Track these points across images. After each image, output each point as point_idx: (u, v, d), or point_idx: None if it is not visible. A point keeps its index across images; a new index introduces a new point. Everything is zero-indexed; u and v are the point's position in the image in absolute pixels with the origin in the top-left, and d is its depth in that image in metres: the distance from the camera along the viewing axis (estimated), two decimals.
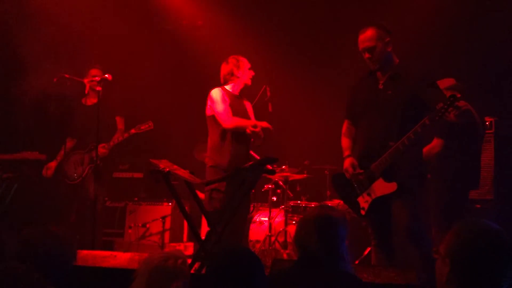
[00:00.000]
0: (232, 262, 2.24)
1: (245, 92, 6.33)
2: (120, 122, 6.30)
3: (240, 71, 5.17)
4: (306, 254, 2.56)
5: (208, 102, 5.09)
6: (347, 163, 4.21)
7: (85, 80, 5.51)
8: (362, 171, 4.11)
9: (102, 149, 5.97)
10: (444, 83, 5.33)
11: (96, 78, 5.74)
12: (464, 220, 2.07)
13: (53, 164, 6.23)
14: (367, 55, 4.10)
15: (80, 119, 6.11)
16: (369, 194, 4.11)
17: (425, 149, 5.05)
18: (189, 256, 6.13)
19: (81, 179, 6.06)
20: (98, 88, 5.46)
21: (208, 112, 5.10)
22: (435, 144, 5.05)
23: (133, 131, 6.07)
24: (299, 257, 2.63)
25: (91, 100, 6.19)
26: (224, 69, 5.23)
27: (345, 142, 4.33)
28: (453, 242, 2.00)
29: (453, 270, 1.97)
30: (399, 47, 4.23)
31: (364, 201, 4.15)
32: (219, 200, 4.82)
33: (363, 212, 4.18)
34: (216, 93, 5.08)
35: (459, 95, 4.95)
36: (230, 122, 4.98)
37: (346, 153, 4.27)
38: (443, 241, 2.04)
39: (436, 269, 2.06)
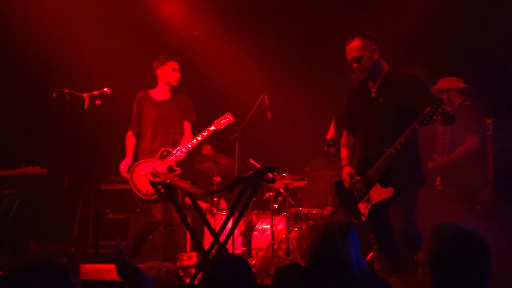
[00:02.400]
0: (217, 268, 2.38)
1: (244, 101, 6.38)
2: (187, 127, 5.74)
3: None
4: (325, 260, 2.58)
5: None
6: (344, 172, 4.31)
7: (84, 95, 5.51)
8: (359, 178, 4.18)
9: (181, 154, 5.45)
10: (446, 82, 5.37)
11: (97, 92, 5.50)
12: (439, 226, 2.04)
13: (129, 161, 5.59)
14: (355, 65, 4.22)
15: (149, 115, 5.67)
16: (368, 200, 4.19)
17: (460, 149, 5.12)
18: (193, 266, 6.22)
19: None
20: (98, 102, 5.46)
21: None
22: (471, 141, 5.13)
23: (213, 128, 5.52)
24: (316, 264, 2.62)
25: (163, 96, 5.74)
26: None
27: (344, 152, 4.45)
28: (430, 250, 1.98)
29: (434, 280, 1.95)
30: (395, 49, 4.28)
31: (364, 207, 4.22)
32: None
33: (363, 218, 4.25)
34: None
35: (456, 102, 5.02)
36: None
37: (344, 162, 4.39)
38: (422, 249, 2.04)
39: (419, 279, 2.05)
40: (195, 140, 5.44)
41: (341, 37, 4.42)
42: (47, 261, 2.04)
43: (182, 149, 5.44)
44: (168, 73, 5.71)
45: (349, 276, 2.52)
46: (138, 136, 5.74)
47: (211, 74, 7.54)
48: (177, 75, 5.72)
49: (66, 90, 5.61)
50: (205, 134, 5.44)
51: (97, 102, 5.49)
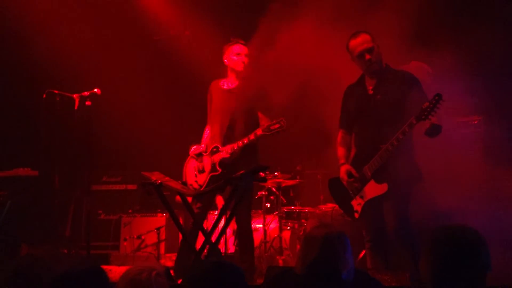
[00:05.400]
0: (213, 276, 2.30)
1: None
2: (262, 118, 5.04)
3: None
4: (325, 269, 2.55)
5: None
6: (342, 171, 4.28)
7: (75, 95, 5.48)
8: (357, 176, 4.16)
9: (225, 154, 4.85)
10: (415, 69, 5.35)
11: (87, 92, 5.42)
12: (436, 236, 2.03)
13: (202, 147, 5.12)
14: (367, 57, 4.15)
15: (214, 105, 5.17)
16: (361, 197, 4.18)
17: None
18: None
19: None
20: (88, 103, 5.44)
21: None
22: None
23: (260, 132, 4.70)
24: (313, 273, 2.58)
25: (231, 84, 5.16)
26: None
27: (340, 151, 4.42)
28: (429, 264, 1.97)
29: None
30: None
31: (357, 204, 4.21)
32: None
33: (356, 215, 4.24)
34: None
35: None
36: None
37: (341, 161, 4.36)
38: (420, 266, 2.02)
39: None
40: (241, 143, 4.77)
41: (334, 35, 4.41)
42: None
43: (228, 149, 4.84)
44: (232, 58, 5.13)
45: (344, 282, 2.52)
46: None
47: (202, 74, 7.53)
48: (242, 59, 5.10)
49: (56, 91, 5.59)
50: (251, 138, 4.73)
51: (87, 103, 5.46)
